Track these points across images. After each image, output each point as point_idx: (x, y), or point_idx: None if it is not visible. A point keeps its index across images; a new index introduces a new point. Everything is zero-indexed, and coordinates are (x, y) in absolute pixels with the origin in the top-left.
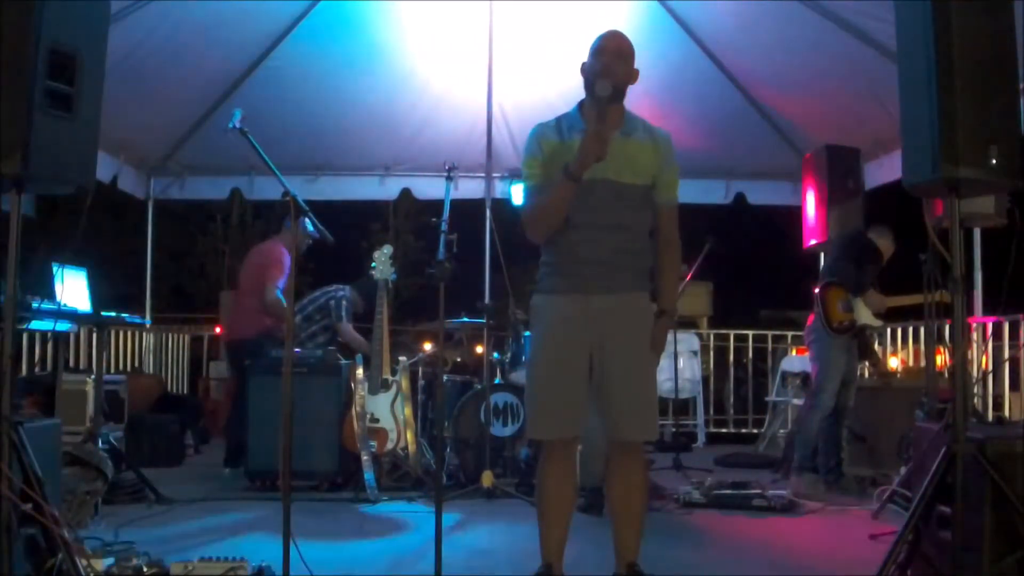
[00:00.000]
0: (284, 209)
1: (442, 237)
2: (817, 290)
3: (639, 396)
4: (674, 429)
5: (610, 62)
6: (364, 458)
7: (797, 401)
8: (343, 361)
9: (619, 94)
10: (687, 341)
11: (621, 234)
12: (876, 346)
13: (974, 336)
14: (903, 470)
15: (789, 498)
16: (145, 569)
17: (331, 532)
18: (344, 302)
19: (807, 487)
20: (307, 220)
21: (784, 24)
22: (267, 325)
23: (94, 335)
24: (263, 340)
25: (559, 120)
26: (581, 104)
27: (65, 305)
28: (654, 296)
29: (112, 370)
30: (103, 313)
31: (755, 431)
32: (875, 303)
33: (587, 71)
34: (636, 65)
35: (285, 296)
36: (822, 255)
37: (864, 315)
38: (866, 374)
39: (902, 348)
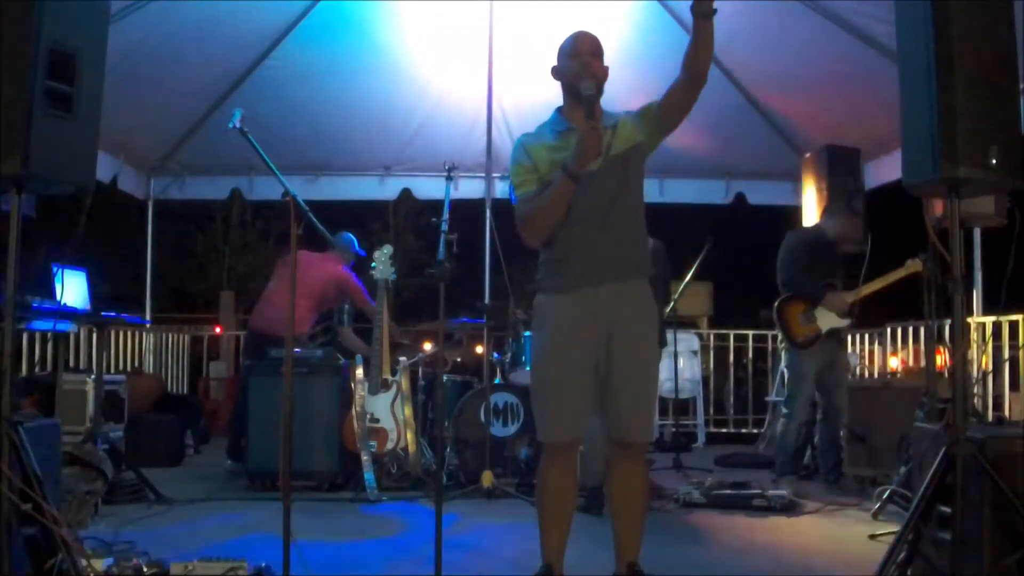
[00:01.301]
0: (284, 209)
1: (442, 237)
2: (775, 306)
3: (642, 398)
4: (674, 429)
5: (589, 61)
6: (364, 458)
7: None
8: (343, 361)
9: (600, 91)
10: (687, 341)
11: (615, 225)
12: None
13: (974, 336)
14: (903, 470)
15: (789, 498)
16: (145, 569)
17: (331, 532)
18: (346, 306)
19: (788, 489)
20: (352, 237)
21: (784, 24)
22: (303, 330)
23: (94, 335)
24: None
25: (541, 128)
26: (559, 110)
27: (65, 305)
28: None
29: (112, 370)
30: (103, 313)
31: (755, 431)
32: (835, 305)
33: (566, 74)
34: (637, 65)
35: (286, 299)
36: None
37: (828, 320)
38: (866, 374)
39: (902, 348)
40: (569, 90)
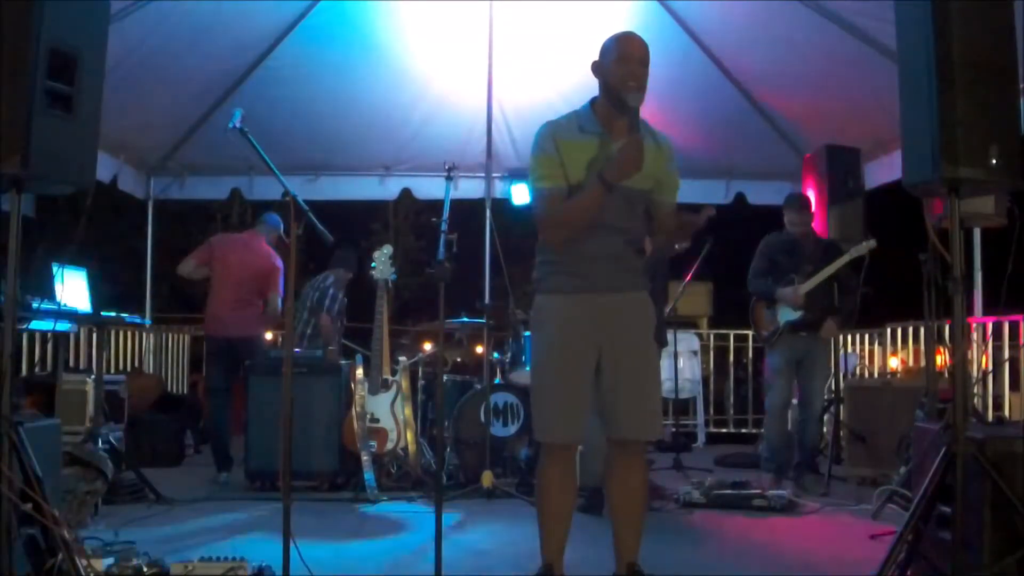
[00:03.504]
0: (284, 209)
1: (442, 237)
2: (750, 306)
3: (644, 396)
4: (674, 429)
5: (638, 71)
6: (364, 458)
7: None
8: (343, 361)
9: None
10: (687, 341)
11: (625, 236)
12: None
13: (974, 336)
14: (903, 470)
15: (789, 498)
16: (145, 569)
17: (331, 532)
18: (331, 290)
19: (768, 484)
20: (279, 219)
21: (784, 24)
22: (263, 327)
23: (94, 335)
24: (260, 339)
25: (568, 120)
26: (593, 103)
27: (65, 305)
28: (652, 296)
29: (112, 370)
30: (103, 313)
31: (755, 431)
32: (786, 299)
33: (610, 76)
34: None
35: (286, 295)
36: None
37: (784, 314)
38: (866, 374)
39: (902, 348)
40: (611, 95)
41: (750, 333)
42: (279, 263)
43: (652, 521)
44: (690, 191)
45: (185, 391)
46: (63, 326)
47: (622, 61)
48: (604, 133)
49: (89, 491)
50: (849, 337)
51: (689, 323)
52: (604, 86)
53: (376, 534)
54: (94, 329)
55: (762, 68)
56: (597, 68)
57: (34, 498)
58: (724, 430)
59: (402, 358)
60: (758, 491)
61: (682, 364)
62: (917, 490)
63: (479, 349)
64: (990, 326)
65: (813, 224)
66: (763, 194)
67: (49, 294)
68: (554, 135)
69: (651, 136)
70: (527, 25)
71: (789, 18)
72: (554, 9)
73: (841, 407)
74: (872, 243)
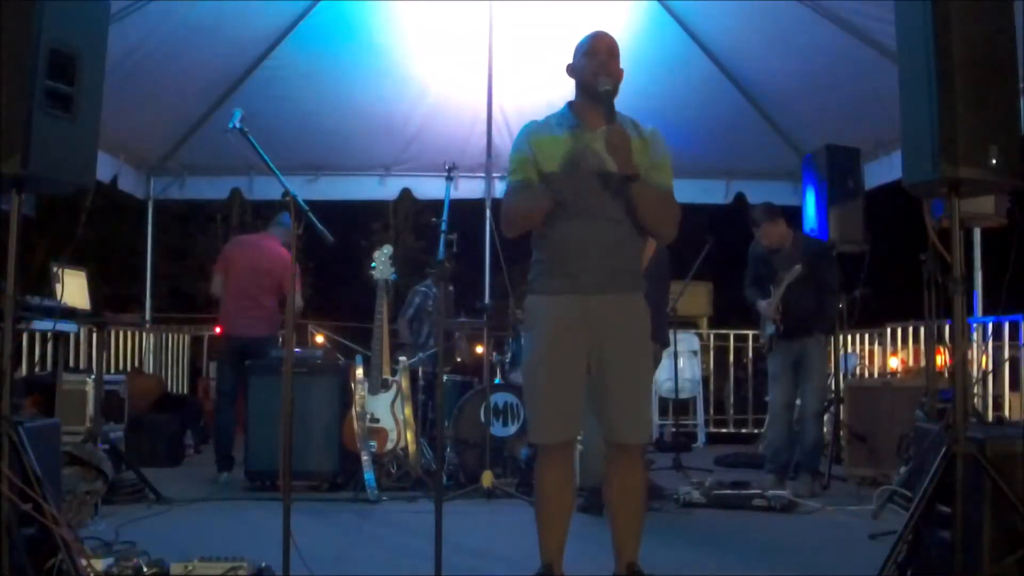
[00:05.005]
0: (283, 208)
1: (442, 237)
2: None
3: (633, 400)
4: (674, 429)
5: (606, 60)
6: (364, 458)
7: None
8: (342, 361)
9: (616, 91)
10: (687, 341)
11: (613, 227)
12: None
13: (974, 336)
14: (903, 470)
15: (789, 498)
16: (145, 569)
17: (331, 532)
18: (408, 295)
19: (769, 484)
20: (287, 216)
21: (784, 24)
22: (278, 327)
23: (94, 335)
24: (274, 340)
25: (549, 119)
26: (571, 104)
27: (65, 305)
28: (654, 296)
29: (112, 370)
30: (103, 313)
31: (755, 431)
32: (763, 312)
33: (582, 72)
34: (637, 65)
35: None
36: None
37: (768, 327)
38: (866, 374)
39: (902, 348)
40: (585, 89)
41: (750, 333)
42: (289, 264)
43: (652, 521)
44: (690, 191)
45: (185, 391)
46: (63, 326)
47: (590, 54)
48: (580, 125)
49: (89, 491)
50: (849, 337)
51: (689, 323)
52: (578, 83)
53: (376, 534)
54: (94, 329)
55: (762, 68)
56: (571, 69)
57: (34, 498)
58: (724, 430)
59: (402, 358)
60: (758, 491)
61: (682, 364)
62: (917, 490)
63: (479, 349)
64: (990, 326)
65: (815, 224)
66: (763, 194)
67: (49, 294)
68: (529, 135)
69: (635, 129)
70: (527, 26)
71: (789, 18)
72: (554, 9)
73: (841, 407)
74: (798, 269)
